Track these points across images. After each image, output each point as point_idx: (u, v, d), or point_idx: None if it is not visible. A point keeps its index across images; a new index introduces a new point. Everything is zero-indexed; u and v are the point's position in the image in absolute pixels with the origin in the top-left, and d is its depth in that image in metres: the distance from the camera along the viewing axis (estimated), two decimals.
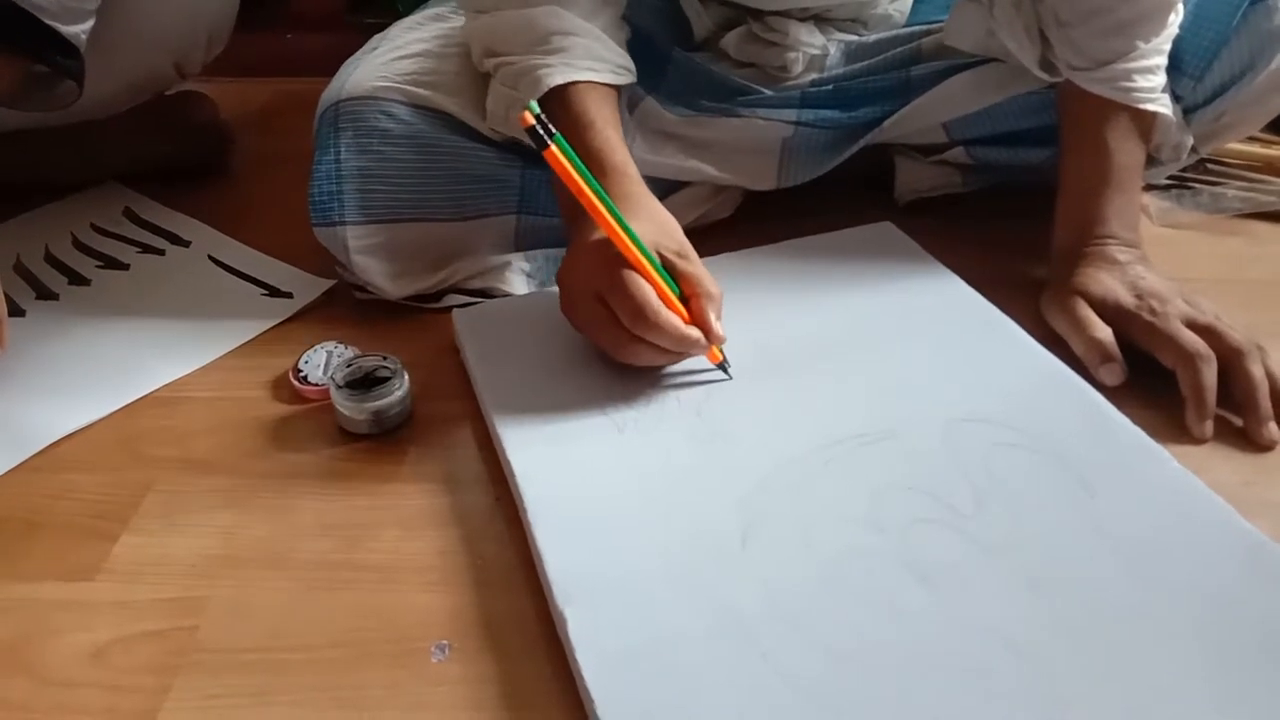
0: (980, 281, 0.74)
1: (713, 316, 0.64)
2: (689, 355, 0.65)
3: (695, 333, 0.63)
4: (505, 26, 0.73)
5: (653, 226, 0.66)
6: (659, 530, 0.55)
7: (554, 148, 0.61)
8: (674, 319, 0.62)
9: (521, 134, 0.72)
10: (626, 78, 0.76)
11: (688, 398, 0.64)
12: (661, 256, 0.64)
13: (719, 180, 0.83)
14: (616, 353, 0.65)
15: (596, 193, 0.62)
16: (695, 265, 0.65)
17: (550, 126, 0.61)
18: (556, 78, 0.70)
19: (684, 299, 0.64)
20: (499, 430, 0.63)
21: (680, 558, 0.53)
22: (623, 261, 0.62)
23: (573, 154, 0.62)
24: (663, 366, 0.66)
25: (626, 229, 0.62)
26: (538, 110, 0.60)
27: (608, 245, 0.63)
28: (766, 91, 0.84)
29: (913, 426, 0.61)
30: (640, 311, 0.61)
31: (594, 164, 0.66)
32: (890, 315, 0.71)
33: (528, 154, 0.78)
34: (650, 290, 0.62)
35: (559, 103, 0.70)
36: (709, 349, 0.65)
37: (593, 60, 0.72)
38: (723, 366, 0.66)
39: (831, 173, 0.83)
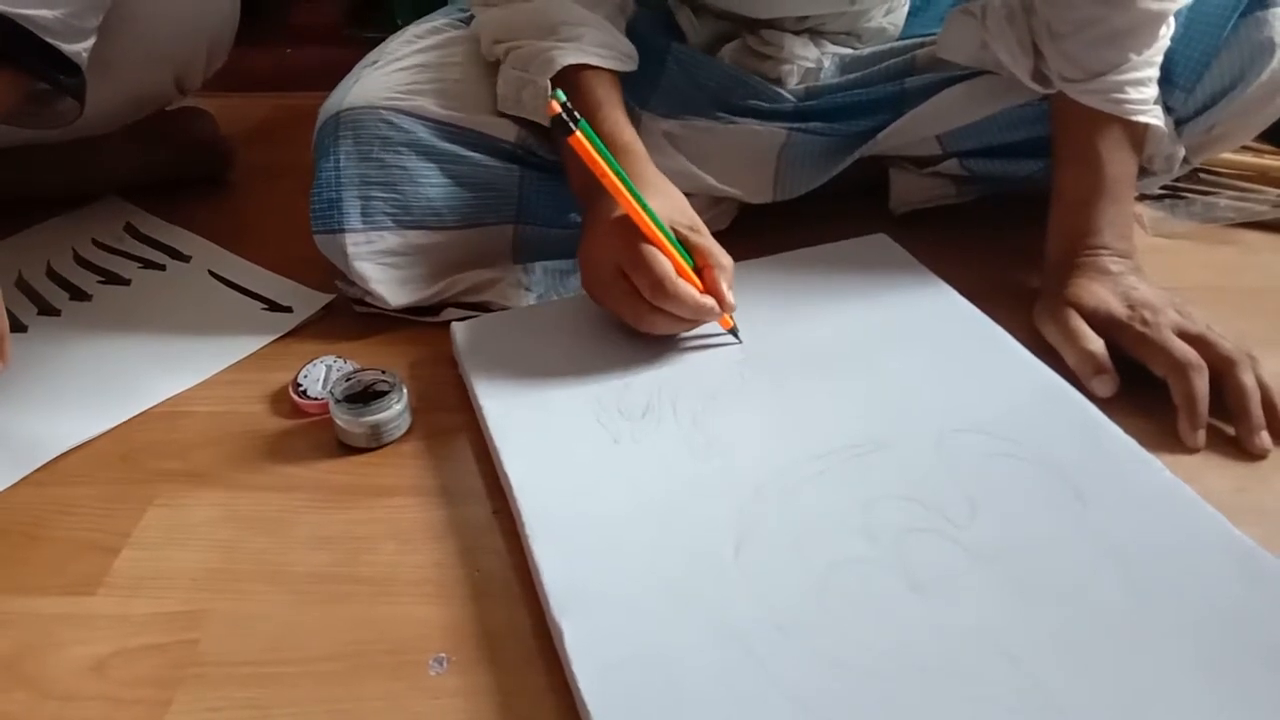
0: (974, 292, 0.74)
1: (725, 286, 0.68)
2: (704, 322, 0.69)
3: (710, 301, 0.67)
4: (516, 17, 0.77)
5: (666, 203, 0.70)
6: (655, 541, 0.55)
7: (579, 133, 0.64)
8: (690, 289, 0.66)
9: (534, 114, 0.77)
10: (630, 65, 0.79)
11: (684, 409, 0.65)
12: (675, 231, 0.68)
13: (717, 191, 0.84)
14: (637, 322, 0.69)
15: (617, 173, 0.66)
16: (706, 238, 0.69)
17: (575, 113, 0.64)
18: (569, 58, 0.74)
19: (697, 270, 0.68)
20: (496, 442, 0.63)
21: (676, 568, 0.54)
22: (641, 237, 0.66)
23: (595, 138, 0.65)
24: (674, 340, 0.70)
25: (645, 206, 0.66)
26: (564, 98, 0.64)
27: (626, 222, 0.66)
28: (762, 101, 0.85)
29: (907, 436, 0.61)
30: (660, 284, 0.65)
31: (605, 143, 0.69)
32: (884, 326, 0.72)
33: (527, 164, 0.79)
34: (668, 263, 0.66)
35: (569, 86, 0.73)
36: (722, 316, 0.69)
37: (601, 47, 0.76)
38: (734, 332, 0.71)
39: (826, 185, 0.84)
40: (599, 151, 0.66)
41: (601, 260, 0.69)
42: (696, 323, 0.69)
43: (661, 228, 0.67)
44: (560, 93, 0.64)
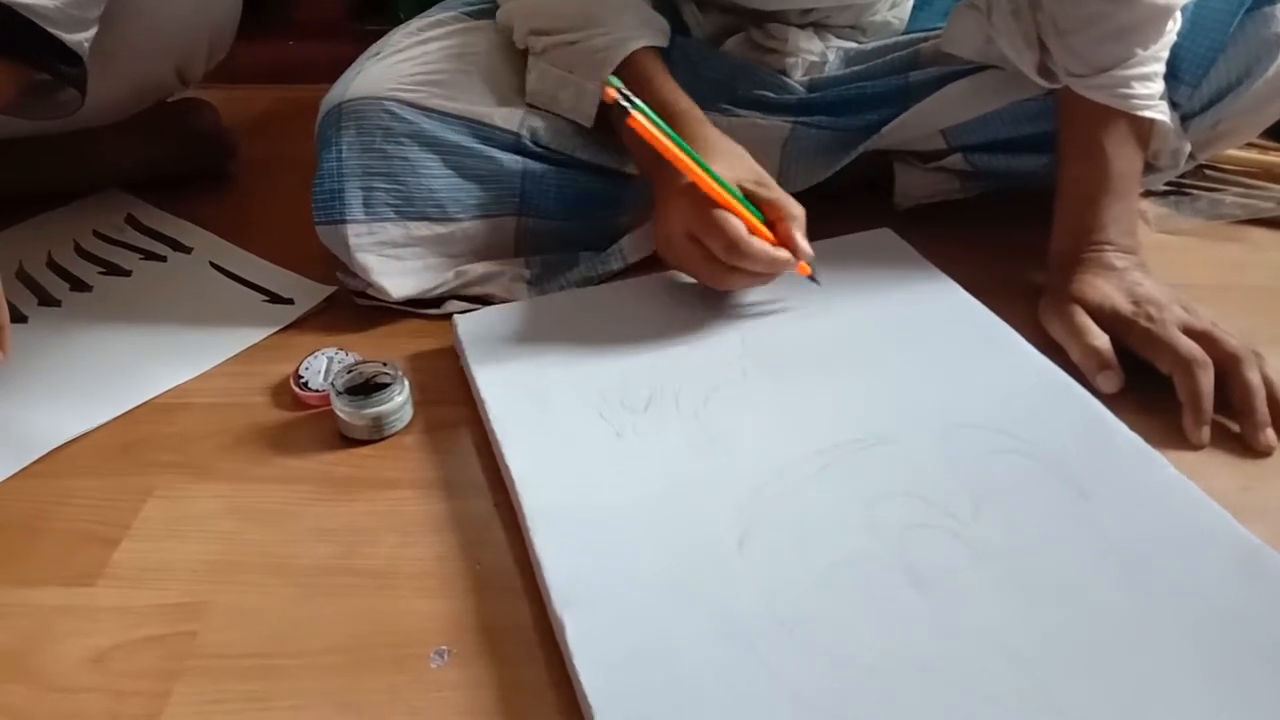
0: (978, 288, 0.74)
1: (798, 235, 0.70)
2: (780, 273, 0.70)
3: (784, 254, 0.69)
4: (553, 7, 0.78)
5: (729, 162, 0.71)
6: (657, 535, 0.55)
7: (635, 114, 0.66)
8: (764, 245, 0.68)
9: (571, 113, 0.79)
10: (665, 39, 0.81)
11: (686, 402, 0.65)
12: (742, 188, 0.70)
13: None
14: (716, 283, 0.71)
15: (678, 144, 0.67)
16: (774, 190, 0.71)
17: (633, 97, 0.65)
18: (616, 56, 0.76)
19: (770, 223, 0.70)
20: (498, 436, 0.63)
21: (678, 563, 0.53)
22: (711, 202, 0.67)
23: (654, 115, 0.67)
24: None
25: (710, 172, 0.67)
26: (618, 84, 0.65)
27: (694, 189, 0.68)
28: (768, 91, 0.84)
29: (910, 432, 0.61)
30: (734, 245, 0.67)
31: (662, 113, 0.70)
32: (888, 321, 0.71)
33: (530, 156, 0.79)
34: (739, 224, 0.67)
35: (618, 69, 0.75)
36: (799, 264, 0.70)
37: (638, 28, 0.78)
38: (813, 278, 0.72)
39: (830, 179, 0.84)
40: (659, 127, 0.67)
41: (674, 228, 0.70)
42: (774, 275, 0.70)
43: (729, 189, 0.68)
44: (615, 79, 0.65)
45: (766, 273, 0.70)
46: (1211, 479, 0.58)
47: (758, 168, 0.72)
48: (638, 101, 0.66)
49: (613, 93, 0.64)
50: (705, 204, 0.67)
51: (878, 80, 0.84)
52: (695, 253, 0.69)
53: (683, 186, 0.69)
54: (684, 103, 0.76)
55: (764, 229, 0.69)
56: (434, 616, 0.54)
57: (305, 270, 0.84)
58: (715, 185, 0.67)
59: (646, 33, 0.78)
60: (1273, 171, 0.93)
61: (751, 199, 0.70)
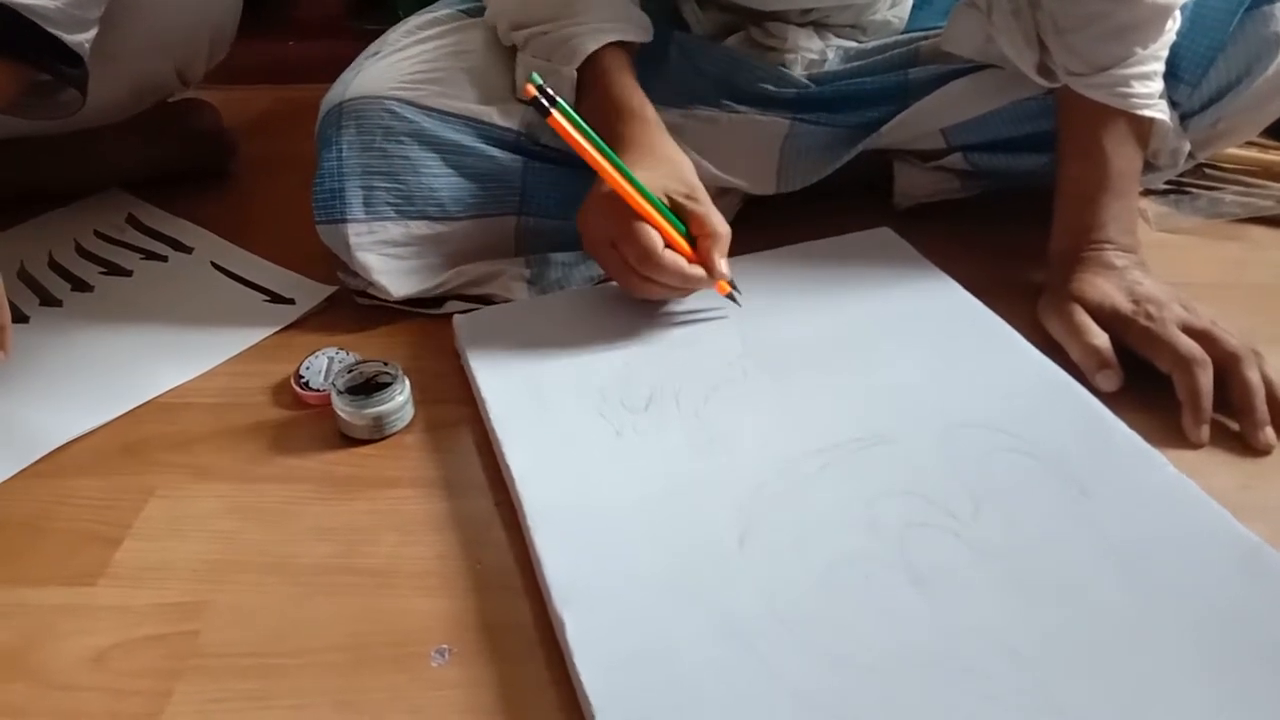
0: (978, 287, 0.74)
1: (716, 255, 0.69)
2: (698, 289, 0.71)
3: (698, 271, 0.69)
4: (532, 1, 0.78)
5: (662, 171, 0.71)
6: (658, 534, 0.55)
7: (555, 114, 0.65)
8: (677, 260, 0.68)
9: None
10: (646, 35, 0.80)
11: (686, 401, 0.65)
12: (670, 200, 0.70)
13: (720, 181, 0.84)
14: (631, 290, 0.71)
15: (601, 150, 0.68)
16: (702, 206, 0.70)
17: (553, 95, 0.65)
18: (589, 44, 0.75)
19: (693, 237, 0.70)
20: (498, 435, 0.63)
21: (679, 562, 0.53)
22: (631, 211, 0.67)
23: (576, 117, 0.67)
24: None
25: (632, 180, 0.67)
26: (539, 81, 0.65)
27: (617, 196, 0.68)
28: (768, 84, 0.84)
29: (910, 431, 0.61)
30: (645, 256, 0.67)
31: (614, 110, 0.71)
32: (888, 320, 0.71)
33: (530, 154, 0.79)
34: (655, 236, 0.67)
35: (584, 62, 0.75)
36: (716, 283, 0.70)
37: (613, 21, 0.77)
38: (732, 297, 0.72)
39: (830, 178, 0.84)
40: (581, 131, 0.67)
41: (595, 232, 0.71)
42: (690, 290, 0.71)
43: (652, 199, 0.68)
44: (536, 76, 0.66)
45: (682, 287, 0.69)
46: (1211, 478, 0.58)
47: (692, 179, 0.72)
48: (560, 101, 0.66)
49: (532, 89, 0.64)
50: (625, 212, 0.67)
51: (877, 75, 0.84)
52: (614, 258, 0.70)
53: (606, 192, 0.69)
54: (636, 102, 0.75)
55: (682, 243, 0.69)
56: (434, 615, 0.54)
57: (306, 270, 0.84)
58: (634, 194, 0.67)
59: (621, 26, 0.77)
60: (1272, 170, 0.93)
61: (677, 211, 0.69)
